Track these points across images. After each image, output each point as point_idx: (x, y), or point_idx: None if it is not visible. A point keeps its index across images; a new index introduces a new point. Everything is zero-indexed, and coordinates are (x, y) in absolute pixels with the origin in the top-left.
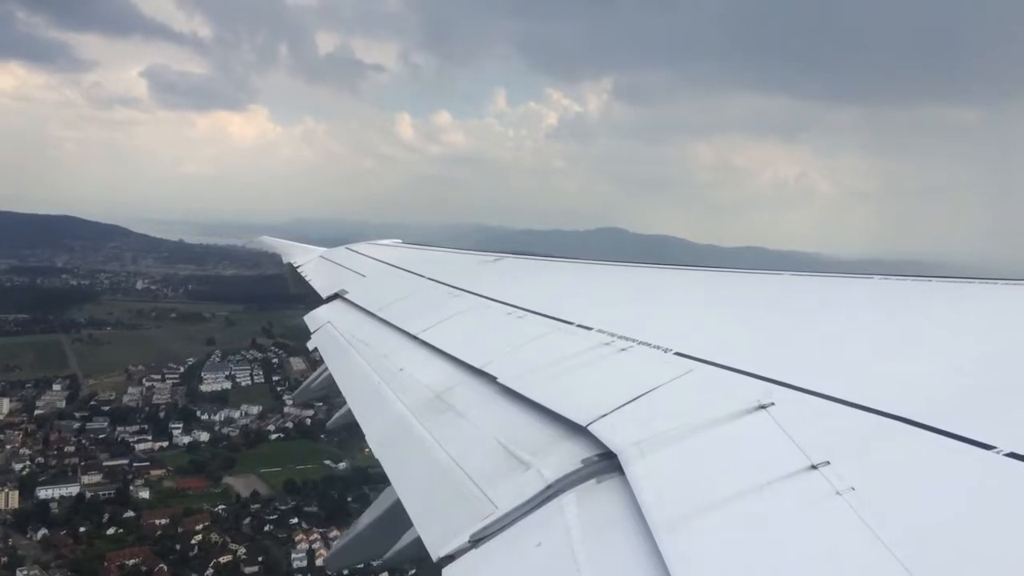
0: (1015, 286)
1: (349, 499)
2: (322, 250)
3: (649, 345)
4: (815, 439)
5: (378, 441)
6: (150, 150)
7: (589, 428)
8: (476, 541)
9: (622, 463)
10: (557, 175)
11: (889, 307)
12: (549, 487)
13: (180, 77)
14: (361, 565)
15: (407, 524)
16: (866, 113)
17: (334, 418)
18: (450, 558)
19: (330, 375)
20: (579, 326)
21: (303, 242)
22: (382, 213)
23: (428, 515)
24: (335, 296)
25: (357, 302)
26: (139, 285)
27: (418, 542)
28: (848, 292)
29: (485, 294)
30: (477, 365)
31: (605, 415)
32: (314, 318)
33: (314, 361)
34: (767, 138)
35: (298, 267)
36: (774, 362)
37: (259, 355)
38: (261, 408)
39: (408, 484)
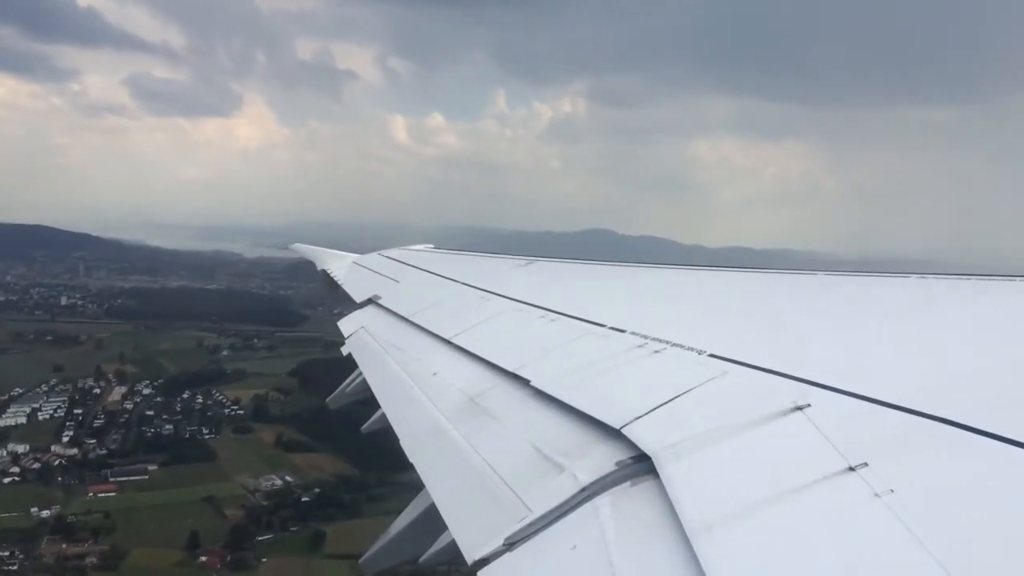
0: None
1: (5, 554)
2: (355, 256)
3: (683, 347)
4: (852, 441)
5: (412, 444)
6: (144, 155)
7: (623, 431)
8: (510, 544)
9: (657, 466)
10: (547, 176)
11: (926, 305)
12: (583, 490)
13: (162, 84)
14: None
15: (442, 527)
16: (841, 113)
17: (369, 422)
18: (484, 561)
19: (364, 380)
20: (612, 328)
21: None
22: (377, 215)
23: (462, 518)
24: (368, 301)
25: (390, 307)
26: (63, 301)
27: (453, 545)
28: (883, 291)
29: (518, 297)
30: (510, 368)
31: (639, 418)
32: (348, 323)
33: (135, 393)
34: (747, 139)
35: (332, 273)
36: (809, 362)
37: (92, 384)
38: (29, 446)
39: (442, 487)
